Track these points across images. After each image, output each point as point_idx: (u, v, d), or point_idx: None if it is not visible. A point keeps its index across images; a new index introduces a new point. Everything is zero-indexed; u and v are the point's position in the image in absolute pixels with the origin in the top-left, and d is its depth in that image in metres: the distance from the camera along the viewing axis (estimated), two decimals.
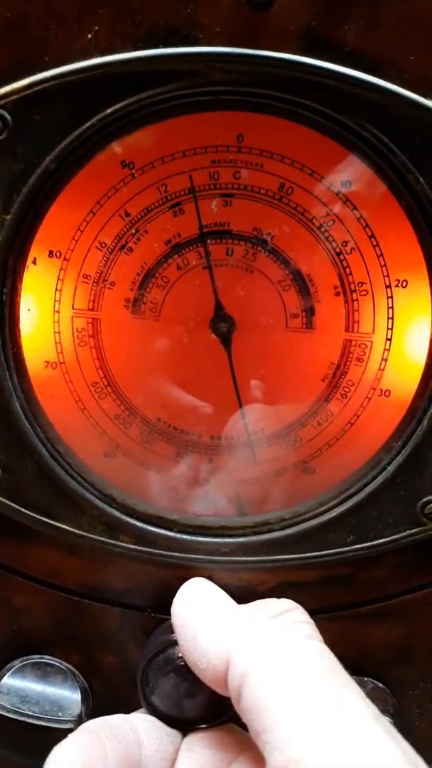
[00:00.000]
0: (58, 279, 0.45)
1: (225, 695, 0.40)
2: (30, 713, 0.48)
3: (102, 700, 0.51)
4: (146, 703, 0.47)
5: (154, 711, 0.46)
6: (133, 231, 0.44)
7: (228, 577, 0.47)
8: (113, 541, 0.46)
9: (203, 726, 0.46)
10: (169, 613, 0.45)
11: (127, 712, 0.47)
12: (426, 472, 0.44)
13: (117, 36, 0.37)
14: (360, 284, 0.44)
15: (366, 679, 0.50)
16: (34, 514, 0.45)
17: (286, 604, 0.42)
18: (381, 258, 0.44)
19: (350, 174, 0.42)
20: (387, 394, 0.46)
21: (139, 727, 0.44)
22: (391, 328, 0.45)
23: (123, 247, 0.44)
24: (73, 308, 0.45)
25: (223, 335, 0.46)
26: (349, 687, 0.36)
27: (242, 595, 0.45)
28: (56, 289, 0.45)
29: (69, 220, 0.43)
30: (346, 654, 0.39)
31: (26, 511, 0.45)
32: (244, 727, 0.39)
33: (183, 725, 0.46)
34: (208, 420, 0.48)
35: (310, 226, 0.43)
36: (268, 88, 0.38)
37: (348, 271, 0.44)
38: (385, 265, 0.44)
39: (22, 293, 0.42)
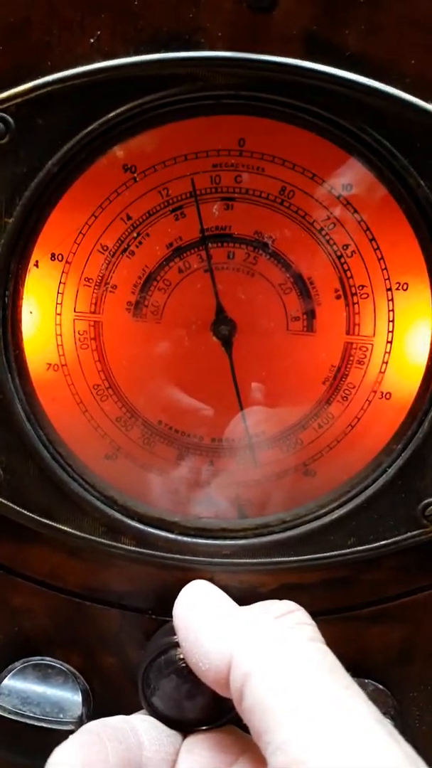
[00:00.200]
0: (60, 282, 0.45)
1: (226, 696, 0.40)
2: (31, 714, 0.48)
3: (103, 702, 0.51)
4: (147, 705, 0.47)
5: (154, 712, 0.46)
6: (135, 234, 0.44)
7: (229, 579, 0.47)
8: (114, 543, 0.46)
9: (204, 727, 0.46)
10: (169, 614, 0.45)
11: (128, 713, 0.47)
12: (426, 474, 0.44)
13: (119, 40, 0.37)
14: (361, 287, 0.44)
15: (367, 680, 0.50)
16: (35, 516, 0.45)
17: (289, 605, 0.42)
18: (381, 261, 0.44)
19: (351, 177, 0.42)
20: (388, 396, 0.46)
21: (140, 729, 0.44)
22: (392, 331, 0.45)
23: (125, 250, 0.44)
24: (74, 311, 0.46)
25: (224, 338, 0.46)
26: (351, 688, 0.36)
27: (243, 597, 0.45)
28: (58, 292, 0.45)
29: (71, 224, 0.43)
30: (347, 656, 0.39)
31: (27, 513, 0.45)
32: (244, 728, 0.39)
33: (184, 727, 0.46)
34: (209, 422, 0.48)
35: (311, 230, 0.43)
36: (270, 92, 0.38)
37: (349, 274, 0.44)
38: (385, 268, 0.44)
39: (24, 296, 0.43)
